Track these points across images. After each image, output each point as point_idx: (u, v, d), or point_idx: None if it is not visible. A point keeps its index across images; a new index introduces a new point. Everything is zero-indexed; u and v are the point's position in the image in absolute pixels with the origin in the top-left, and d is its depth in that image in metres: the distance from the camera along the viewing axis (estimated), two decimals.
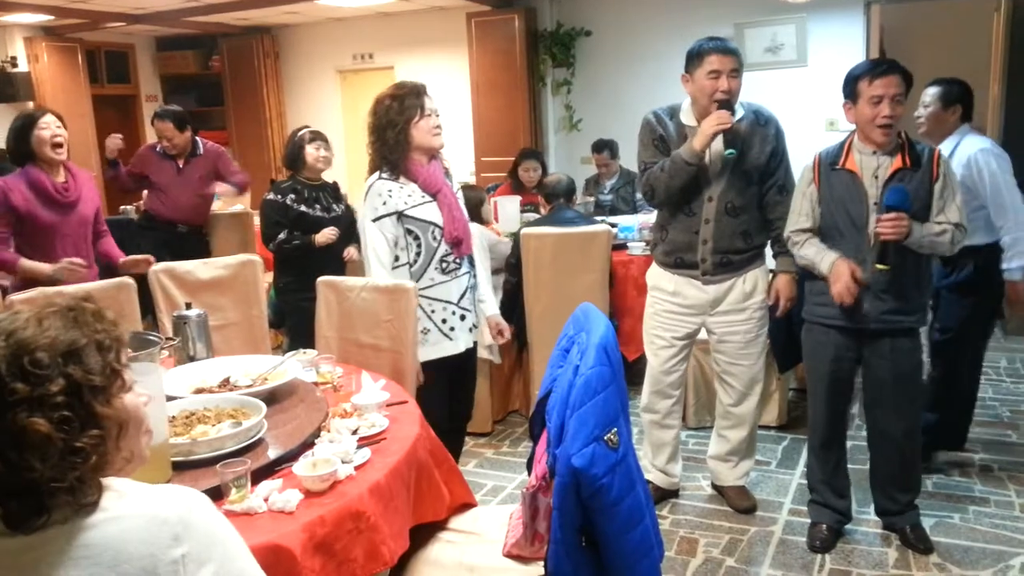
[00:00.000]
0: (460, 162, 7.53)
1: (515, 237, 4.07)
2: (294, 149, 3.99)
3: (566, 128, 7.28)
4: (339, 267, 3.92)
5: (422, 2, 7.25)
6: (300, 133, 4.03)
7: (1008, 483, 3.34)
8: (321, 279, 2.87)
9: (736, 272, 3.04)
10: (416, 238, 2.80)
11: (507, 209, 4.97)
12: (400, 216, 2.77)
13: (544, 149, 7.12)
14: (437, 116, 2.81)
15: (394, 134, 2.74)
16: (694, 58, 2.90)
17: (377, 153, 2.81)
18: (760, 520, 3.15)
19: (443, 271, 2.84)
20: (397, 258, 2.81)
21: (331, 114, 8.49)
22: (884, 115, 2.63)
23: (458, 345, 2.89)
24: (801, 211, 2.86)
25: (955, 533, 2.98)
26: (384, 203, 2.75)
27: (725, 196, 2.96)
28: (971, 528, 3.01)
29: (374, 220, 2.76)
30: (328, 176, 4.15)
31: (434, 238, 2.81)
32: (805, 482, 3.37)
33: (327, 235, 3.89)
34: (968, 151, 3.20)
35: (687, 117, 3.00)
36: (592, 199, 5.47)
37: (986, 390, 4.37)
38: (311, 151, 3.95)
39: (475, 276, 3.00)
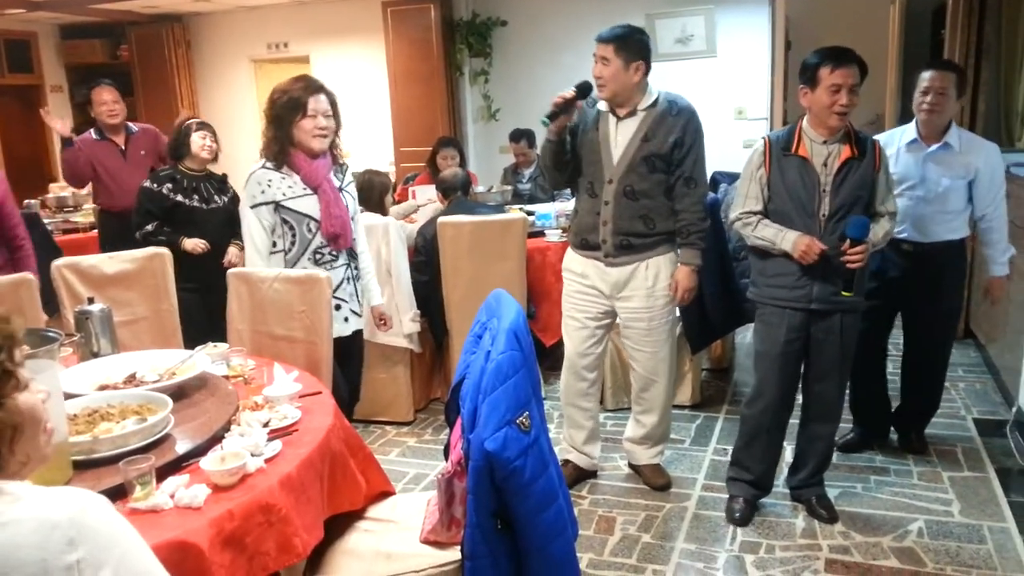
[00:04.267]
0: (379, 152, 7.49)
1: (423, 238, 4.06)
2: (180, 137, 3.93)
3: (484, 118, 7.30)
4: (215, 264, 3.83)
5: None
6: (187, 122, 3.98)
7: (907, 453, 3.51)
8: (232, 271, 2.83)
9: (638, 256, 3.09)
10: (291, 228, 2.86)
11: (423, 197, 4.99)
12: (277, 206, 2.83)
13: (463, 139, 7.13)
14: (326, 117, 2.82)
15: (275, 130, 2.82)
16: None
17: (263, 144, 2.88)
18: (675, 496, 3.24)
19: (316, 262, 2.89)
20: (275, 244, 2.88)
21: (246, 104, 8.32)
22: (842, 103, 2.71)
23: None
24: (749, 194, 2.92)
25: (858, 502, 3.13)
26: (262, 191, 2.82)
27: (625, 179, 3.02)
28: (873, 497, 3.16)
29: (252, 207, 2.84)
30: (240, 166, 4.07)
31: (309, 230, 2.87)
32: (718, 459, 3.50)
33: (196, 244, 3.81)
34: (995, 155, 3.23)
35: (602, 103, 3.08)
36: (510, 188, 5.50)
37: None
38: (197, 139, 3.88)
39: (357, 268, 3.06)
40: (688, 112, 3.06)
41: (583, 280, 3.17)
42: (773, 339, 2.93)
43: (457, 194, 4.32)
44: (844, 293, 2.78)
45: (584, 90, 2.97)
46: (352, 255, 3.03)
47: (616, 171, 3.02)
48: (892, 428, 3.65)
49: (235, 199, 4.04)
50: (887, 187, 2.86)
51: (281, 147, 2.82)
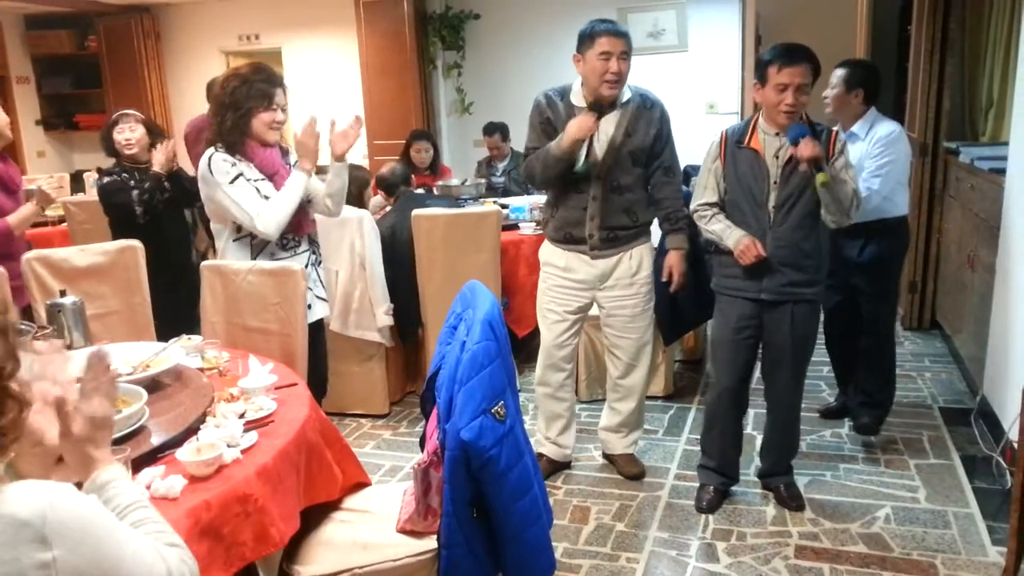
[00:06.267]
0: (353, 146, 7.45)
1: (390, 232, 4.06)
2: (104, 135, 3.81)
3: (458, 111, 7.30)
4: (180, 260, 3.84)
5: None
6: (113, 117, 3.84)
7: (875, 441, 3.57)
8: (205, 264, 2.81)
9: (622, 247, 3.15)
10: None
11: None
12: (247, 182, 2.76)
13: (437, 132, 7.12)
14: (284, 112, 2.81)
15: (234, 118, 2.73)
16: (586, 39, 2.98)
17: (214, 131, 2.79)
18: (648, 486, 3.28)
19: (283, 247, 2.87)
20: (239, 229, 2.81)
21: None
22: (788, 103, 2.75)
23: None
24: (707, 186, 2.99)
25: (827, 489, 3.18)
26: (233, 164, 2.74)
27: (611, 175, 3.06)
28: (842, 484, 3.22)
29: (231, 182, 2.73)
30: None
31: None
32: (690, 448, 3.54)
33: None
34: (886, 131, 3.33)
35: (577, 98, 3.09)
36: (484, 181, 5.51)
37: None
38: (115, 134, 3.76)
39: (318, 253, 3.03)
40: (660, 105, 3.14)
41: (566, 274, 3.19)
42: (724, 327, 3.02)
43: (400, 188, 4.33)
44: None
45: (601, 109, 2.97)
46: (312, 241, 3.00)
47: (601, 166, 3.05)
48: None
49: (180, 179, 3.89)
50: (847, 174, 2.84)
51: (237, 135, 2.75)
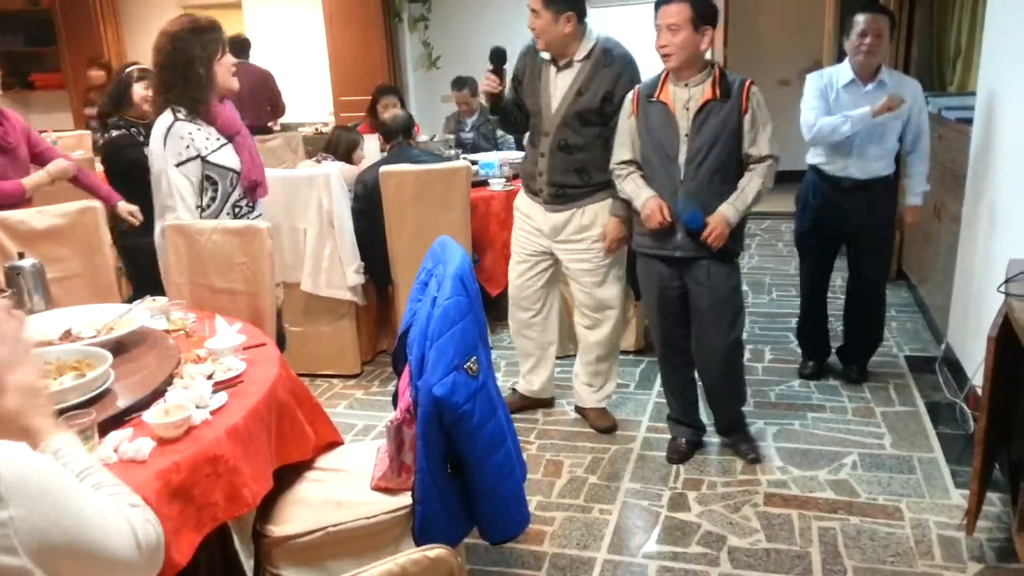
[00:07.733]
0: (318, 102, 7.32)
1: (362, 185, 4.00)
2: (120, 88, 3.78)
3: (425, 66, 7.17)
4: None
5: None
6: (128, 71, 3.83)
7: (842, 391, 3.64)
8: (168, 223, 2.75)
9: (574, 204, 3.13)
10: (214, 184, 2.74)
11: (367, 147, 4.90)
12: (203, 161, 2.69)
13: (404, 88, 7.01)
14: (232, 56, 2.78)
15: (191, 72, 2.65)
16: None
17: (174, 92, 2.69)
18: (620, 439, 3.31)
19: (235, 215, 2.82)
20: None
21: None
22: (659, 45, 2.76)
23: None
24: (623, 143, 2.95)
25: (795, 438, 3.23)
26: (188, 146, 2.67)
27: (560, 133, 3.05)
28: (809, 433, 3.27)
29: (178, 165, 2.67)
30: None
31: (231, 184, 2.77)
32: (661, 402, 3.56)
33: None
34: (913, 86, 3.41)
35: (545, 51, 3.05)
36: (453, 137, 5.44)
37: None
38: (139, 89, 3.73)
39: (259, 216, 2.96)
40: (622, 61, 3.02)
41: (527, 220, 3.27)
42: (647, 285, 3.04)
43: (399, 139, 4.24)
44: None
45: (499, 58, 3.05)
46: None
47: (551, 124, 3.04)
48: (838, 360, 3.86)
49: None
50: (756, 129, 2.79)
51: (202, 94, 2.67)
